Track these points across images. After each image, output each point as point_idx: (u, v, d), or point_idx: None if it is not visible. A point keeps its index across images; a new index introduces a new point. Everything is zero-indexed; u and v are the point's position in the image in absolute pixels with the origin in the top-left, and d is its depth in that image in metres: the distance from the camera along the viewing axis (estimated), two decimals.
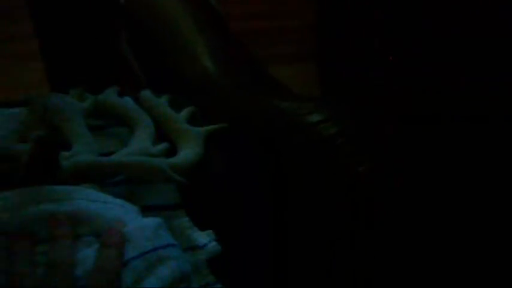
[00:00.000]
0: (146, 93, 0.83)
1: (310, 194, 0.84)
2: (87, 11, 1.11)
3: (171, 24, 1.07)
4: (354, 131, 0.90)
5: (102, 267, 0.54)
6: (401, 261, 0.83)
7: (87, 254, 0.56)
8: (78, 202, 0.61)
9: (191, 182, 0.74)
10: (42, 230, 0.58)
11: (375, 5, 1.41)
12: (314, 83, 1.44)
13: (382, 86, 1.39)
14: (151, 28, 1.08)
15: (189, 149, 0.78)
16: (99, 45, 1.15)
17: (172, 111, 0.80)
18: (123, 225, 0.59)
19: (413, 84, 1.34)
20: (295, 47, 1.57)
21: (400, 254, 0.83)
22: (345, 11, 1.47)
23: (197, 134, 0.80)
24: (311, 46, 1.56)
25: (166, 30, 1.06)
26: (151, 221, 0.62)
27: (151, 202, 0.69)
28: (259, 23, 1.59)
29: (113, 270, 0.54)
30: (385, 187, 0.86)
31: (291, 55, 1.53)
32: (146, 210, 0.67)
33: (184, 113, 0.81)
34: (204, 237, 0.71)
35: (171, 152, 0.78)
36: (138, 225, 0.61)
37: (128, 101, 0.81)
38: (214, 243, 0.71)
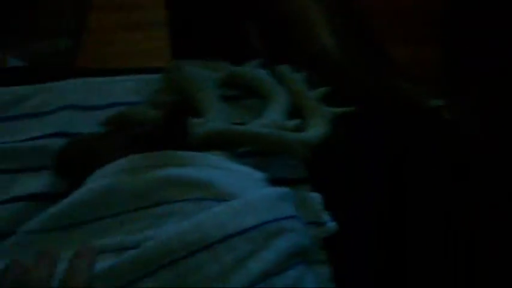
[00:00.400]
0: (283, 68, 0.83)
1: (429, 176, 0.82)
2: None
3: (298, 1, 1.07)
4: (473, 119, 0.88)
5: (72, 277, 0.52)
6: None
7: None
8: (201, 168, 0.62)
9: (316, 158, 0.75)
10: (164, 193, 0.59)
11: None
12: (432, 66, 1.39)
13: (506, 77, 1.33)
14: (277, 4, 1.09)
15: (318, 127, 0.78)
16: (224, 19, 1.17)
17: (307, 89, 0.81)
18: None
19: None
20: (416, 29, 1.52)
21: None
22: None
23: (327, 114, 0.80)
24: (432, 29, 1.50)
25: (291, 6, 1.06)
26: (273, 191, 0.61)
27: (277, 175, 0.69)
28: (383, 3, 1.55)
29: (81, 281, 0.51)
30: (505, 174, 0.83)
31: (412, 37, 1.49)
32: (272, 182, 0.67)
33: (318, 91, 0.82)
34: (326, 215, 0.71)
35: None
36: (259, 195, 0.60)
37: (264, 74, 0.82)
38: (333, 223, 0.71)
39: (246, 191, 0.61)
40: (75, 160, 0.72)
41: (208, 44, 1.15)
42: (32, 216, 0.73)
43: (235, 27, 1.17)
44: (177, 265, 0.52)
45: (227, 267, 0.52)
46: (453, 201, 0.80)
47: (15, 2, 1.37)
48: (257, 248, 0.54)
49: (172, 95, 0.79)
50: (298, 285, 0.56)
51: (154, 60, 1.44)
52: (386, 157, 0.84)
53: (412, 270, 0.77)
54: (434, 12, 1.47)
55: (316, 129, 0.78)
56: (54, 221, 0.61)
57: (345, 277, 0.68)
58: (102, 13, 1.49)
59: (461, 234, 0.78)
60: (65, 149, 0.74)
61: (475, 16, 1.37)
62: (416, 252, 0.79)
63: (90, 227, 0.59)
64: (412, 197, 0.82)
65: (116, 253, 0.54)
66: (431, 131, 0.86)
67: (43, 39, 1.34)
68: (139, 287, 0.51)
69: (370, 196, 0.79)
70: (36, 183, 0.75)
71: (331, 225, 0.70)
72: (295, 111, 0.81)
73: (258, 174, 0.66)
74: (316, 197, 0.72)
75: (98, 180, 0.62)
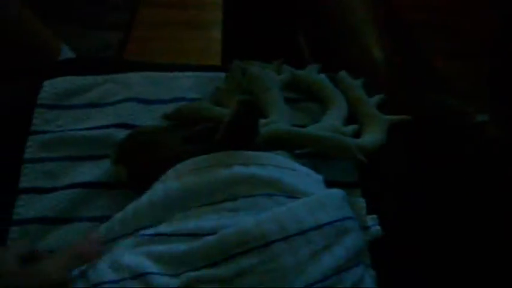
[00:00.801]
0: (343, 74, 0.85)
1: (474, 191, 0.83)
2: None
3: (347, 13, 1.08)
4: None
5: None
6: None
7: None
8: (266, 167, 0.64)
9: (370, 164, 0.76)
10: (232, 190, 0.60)
11: None
12: (478, 81, 1.39)
13: None
14: (327, 14, 1.10)
15: (374, 133, 0.79)
16: (276, 25, 1.19)
17: (365, 95, 0.82)
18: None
19: None
20: (463, 44, 1.52)
21: None
22: None
23: (383, 121, 0.81)
24: (479, 44, 1.50)
25: (342, 18, 1.08)
26: (338, 192, 0.63)
27: (331, 177, 0.70)
28: (428, 17, 1.56)
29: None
30: None
31: (458, 51, 1.49)
32: (326, 184, 0.69)
33: (376, 98, 0.83)
34: (370, 220, 0.73)
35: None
36: (328, 193, 0.62)
37: (324, 79, 0.83)
38: (378, 227, 0.72)
39: (310, 190, 0.63)
40: (135, 152, 0.73)
41: (258, 47, 1.17)
42: (89, 204, 0.75)
43: (286, 35, 1.19)
44: (254, 253, 0.54)
45: (303, 259, 0.54)
46: (498, 215, 0.81)
47: None
48: (330, 243, 0.57)
49: (236, 94, 0.80)
50: (361, 283, 0.59)
51: (202, 59, 1.47)
52: (432, 169, 0.85)
53: (454, 279, 0.77)
54: (482, 26, 1.47)
55: (372, 136, 0.79)
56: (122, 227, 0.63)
57: (387, 283, 0.69)
58: (153, 8, 1.52)
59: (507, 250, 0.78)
60: (126, 140, 0.75)
61: None
62: (461, 262, 0.79)
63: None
64: (457, 210, 0.82)
65: (192, 238, 0.56)
66: (475, 147, 0.87)
67: (95, 32, 1.37)
68: (214, 273, 0.53)
69: (416, 204, 0.80)
70: (95, 171, 0.78)
71: (376, 229, 0.71)
72: (351, 116, 0.82)
73: (317, 175, 0.68)
74: (361, 201, 0.73)
75: (169, 182, 0.63)
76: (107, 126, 0.81)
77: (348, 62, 1.02)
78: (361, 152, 0.75)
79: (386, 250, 0.72)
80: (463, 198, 0.83)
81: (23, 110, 0.83)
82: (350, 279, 0.57)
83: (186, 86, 0.87)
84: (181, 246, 0.56)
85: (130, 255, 0.56)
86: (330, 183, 0.68)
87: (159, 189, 0.63)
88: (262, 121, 0.75)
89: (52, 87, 0.85)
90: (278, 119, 0.76)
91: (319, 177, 0.68)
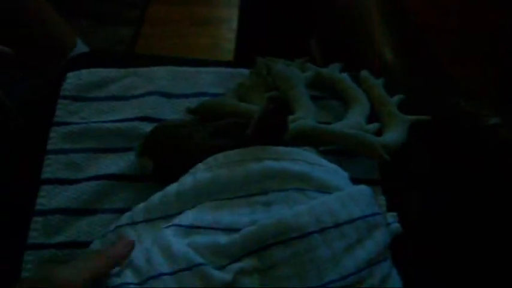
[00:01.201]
0: (365, 73, 0.85)
1: (488, 193, 0.84)
2: None
3: (362, 14, 1.09)
4: None
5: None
6: None
7: None
8: (296, 162, 0.64)
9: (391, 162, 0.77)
10: (263, 185, 0.61)
11: None
12: (491, 85, 1.40)
13: None
14: (342, 17, 1.11)
15: (396, 132, 0.80)
16: (290, 26, 1.19)
17: (387, 94, 0.83)
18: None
19: None
20: (476, 48, 1.53)
21: None
22: None
23: (404, 121, 0.82)
24: (492, 48, 1.51)
25: (356, 19, 1.08)
26: (367, 188, 0.64)
27: (353, 174, 0.70)
28: (441, 21, 1.56)
29: None
30: None
31: (471, 55, 1.50)
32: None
33: (396, 98, 0.84)
34: (390, 217, 0.74)
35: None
36: (358, 189, 0.63)
37: (347, 77, 0.84)
38: (397, 224, 0.73)
39: (340, 185, 0.64)
40: (161, 145, 0.74)
41: (270, 46, 1.17)
42: (112, 196, 0.75)
43: (299, 36, 1.19)
44: (291, 244, 0.54)
45: (338, 251, 0.55)
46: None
47: None
48: (362, 237, 0.58)
49: (261, 91, 0.81)
50: (389, 277, 0.60)
51: (210, 56, 1.47)
52: (450, 169, 0.85)
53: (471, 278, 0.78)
54: (494, 31, 1.49)
55: (394, 134, 0.80)
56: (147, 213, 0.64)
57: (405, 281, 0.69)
58: (163, 5, 1.52)
59: None
60: (152, 133, 0.76)
61: None
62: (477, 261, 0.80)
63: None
64: (472, 210, 0.83)
65: (229, 232, 0.57)
66: (489, 149, 0.88)
67: (106, 28, 1.37)
68: (252, 263, 0.54)
69: (434, 202, 0.81)
70: (120, 164, 0.78)
71: (396, 226, 0.72)
72: (372, 115, 0.83)
73: (343, 172, 0.69)
74: (382, 199, 0.74)
75: (199, 173, 0.64)
76: (131, 119, 0.81)
77: (360, 64, 1.03)
78: (384, 150, 0.76)
79: (405, 247, 0.73)
80: (478, 198, 0.85)
81: (47, 101, 0.83)
82: (380, 273, 0.58)
83: (208, 81, 0.87)
84: (221, 239, 0.56)
85: (178, 244, 0.56)
86: (352, 181, 0.69)
87: (188, 179, 0.64)
88: (289, 117, 0.75)
89: (76, 78, 0.86)
90: (304, 115, 0.76)
91: (346, 174, 0.69)
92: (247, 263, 0.54)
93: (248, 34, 1.24)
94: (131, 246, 0.60)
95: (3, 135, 0.83)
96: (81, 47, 1.17)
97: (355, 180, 0.69)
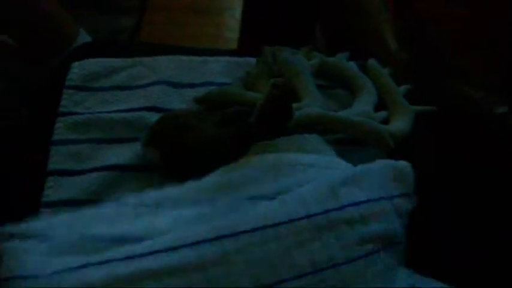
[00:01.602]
0: (373, 62, 0.85)
1: (496, 181, 0.84)
2: None
3: (366, 2, 1.09)
4: None
5: None
6: None
7: None
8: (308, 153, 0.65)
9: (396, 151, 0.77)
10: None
11: None
12: (498, 73, 1.39)
13: None
14: (346, 4, 1.11)
15: (402, 121, 0.80)
16: (296, 15, 1.19)
17: (394, 84, 0.83)
18: None
19: None
20: (483, 36, 1.52)
21: None
22: None
23: (411, 110, 0.81)
24: (499, 36, 1.50)
25: (359, 9, 1.08)
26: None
27: (360, 163, 0.71)
28: (447, 10, 1.55)
29: None
30: None
31: (478, 43, 1.49)
32: None
33: (403, 88, 0.84)
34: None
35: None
36: (374, 168, 0.63)
37: (354, 66, 0.84)
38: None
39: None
40: (168, 135, 0.73)
41: (274, 35, 1.16)
42: (119, 187, 0.75)
43: (304, 25, 1.19)
44: (313, 220, 0.54)
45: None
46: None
47: None
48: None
49: (267, 79, 0.80)
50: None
51: (212, 44, 1.46)
52: (456, 158, 0.85)
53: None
54: (501, 18, 1.48)
55: (401, 124, 0.79)
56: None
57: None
58: None
59: None
60: (158, 123, 0.75)
61: None
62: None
63: None
64: (480, 202, 0.83)
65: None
66: (498, 139, 0.87)
67: (109, 16, 1.36)
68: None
69: (441, 192, 0.81)
70: (125, 154, 0.77)
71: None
72: (379, 103, 0.83)
73: (345, 163, 0.68)
74: None
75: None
76: (138, 109, 0.81)
77: (364, 53, 1.03)
78: (391, 138, 0.76)
79: (411, 236, 0.73)
80: (486, 188, 0.84)
81: (52, 92, 0.83)
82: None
83: (215, 70, 0.87)
84: None
85: None
86: None
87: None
88: (295, 105, 0.74)
89: (81, 68, 0.85)
90: (311, 103, 0.76)
91: (348, 165, 0.68)
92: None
93: (252, 22, 1.23)
94: None
95: (8, 126, 0.83)
96: (84, 37, 1.16)
97: None
